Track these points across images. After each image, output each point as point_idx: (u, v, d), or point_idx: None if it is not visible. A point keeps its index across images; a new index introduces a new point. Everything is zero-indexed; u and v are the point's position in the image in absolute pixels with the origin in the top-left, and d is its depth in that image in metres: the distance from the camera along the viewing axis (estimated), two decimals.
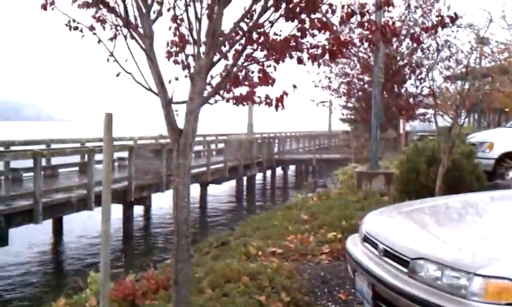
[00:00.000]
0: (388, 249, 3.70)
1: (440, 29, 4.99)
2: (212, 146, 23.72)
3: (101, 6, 4.46)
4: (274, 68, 4.45)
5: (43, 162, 13.48)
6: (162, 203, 19.52)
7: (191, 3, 4.28)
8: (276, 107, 4.53)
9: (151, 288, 4.96)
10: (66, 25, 4.61)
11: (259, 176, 27.86)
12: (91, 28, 4.57)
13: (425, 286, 3.20)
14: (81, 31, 4.60)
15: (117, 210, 14.76)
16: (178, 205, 3.78)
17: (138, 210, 17.00)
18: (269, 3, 4.15)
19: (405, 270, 3.42)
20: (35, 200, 11.38)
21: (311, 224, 8.61)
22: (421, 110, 22.37)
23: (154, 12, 4.42)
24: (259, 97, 4.66)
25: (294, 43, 4.38)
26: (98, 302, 4.23)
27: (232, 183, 24.41)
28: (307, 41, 4.49)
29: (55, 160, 16.33)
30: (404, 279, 3.37)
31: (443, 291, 3.07)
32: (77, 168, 17.14)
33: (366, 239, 4.16)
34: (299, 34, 4.33)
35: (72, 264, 13.37)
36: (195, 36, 4.31)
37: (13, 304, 10.55)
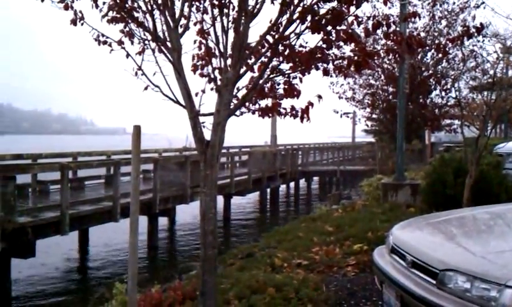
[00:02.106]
0: (416, 260, 3.67)
1: (465, 39, 4.94)
2: (236, 158, 23.79)
3: (129, 21, 4.55)
4: (300, 79, 4.47)
5: (70, 174, 13.70)
6: (187, 214, 19.65)
7: (218, 17, 4.35)
8: (302, 118, 4.54)
9: (177, 299, 5.00)
10: (96, 39, 4.71)
11: (283, 188, 27.79)
12: (120, 42, 4.66)
13: (455, 298, 3.17)
14: (110, 45, 4.69)
15: (142, 222, 14.88)
16: (205, 216, 3.81)
17: (163, 221, 17.11)
18: (295, 16, 4.19)
19: (434, 281, 3.39)
20: (62, 212, 11.55)
21: (336, 236, 8.56)
22: (447, 121, 22.11)
23: (181, 26, 4.48)
24: (284, 108, 4.67)
25: (319, 55, 4.40)
26: None
27: (256, 194, 24.41)
28: (333, 53, 4.50)
29: (81, 173, 16.60)
30: (433, 290, 3.34)
31: (473, 303, 3.04)
32: (103, 180, 17.39)
33: (393, 251, 4.13)
34: (324, 45, 4.34)
35: (98, 275, 13.51)
36: (222, 49, 4.37)
37: None
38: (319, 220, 10.62)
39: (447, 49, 14.92)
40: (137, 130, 3.88)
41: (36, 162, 14.67)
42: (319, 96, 4.56)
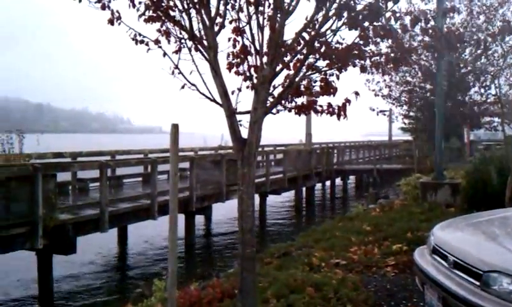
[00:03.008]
0: (458, 261, 3.58)
1: (506, 34, 4.80)
2: (271, 157, 23.75)
3: (166, 20, 4.58)
4: (337, 76, 4.42)
5: (109, 172, 13.94)
6: (223, 213, 19.75)
7: (254, 15, 4.34)
8: (339, 115, 4.48)
9: (216, 297, 5.01)
10: (133, 39, 4.76)
11: (318, 187, 27.60)
12: (157, 41, 4.70)
13: (499, 300, 3.07)
14: (147, 44, 4.73)
15: (179, 220, 14.98)
16: (244, 214, 3.80)
17: (199, 219, 17.24)
18: (331, 12, 4.14)
19: (477, 283, 3.29)
20: (101, 209, 11.76)
21: (374, 236, 8.46)
22: (486, 119, 21.57)
23: (217, 24, 4.49)
24: (321, 106, 4.62)
25: (356, 52, 4.34)
26: None
27: (291, 193, 24.33)
28: (370, 49, 4.43)
29: (120, 171, 16.88)
30: (477, 292, 3.25)
31: None
32: (140, 179, 17.64)
33: (435, 251, 4.03)
34: (361, 42, 4.28)
35: (136, 272, 13.69)
36: (257, 47, 4.36)
37: (83, 303, 10.95)
38: (356, 220, 10.51)
39: (487, 45, 14.54)
40: (175, 128, 3.90)
41: (75, 161, 14.95)
42: (356, 93, 4.49)
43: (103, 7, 4.56)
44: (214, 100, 4.36)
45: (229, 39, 4.73)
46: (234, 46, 4.72)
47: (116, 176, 16.54)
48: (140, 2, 4.53)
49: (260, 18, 4.33)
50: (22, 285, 11.97)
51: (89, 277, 13.01)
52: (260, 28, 4.32)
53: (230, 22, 4.65)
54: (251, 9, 4.38)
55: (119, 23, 4.67)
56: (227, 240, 17.32)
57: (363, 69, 4.50)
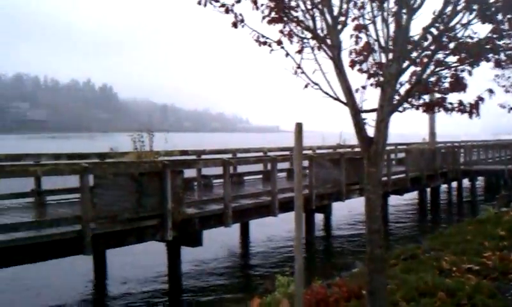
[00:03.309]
0: None
1: None
2: (392, 156, 23.05)
3: (289, 21, 4.66)
4: (469, 72, 4.20)
5: (231, 169, 14.45)
6: (342, 212, 19.59)
7: (377, 12, 4.27)
8: (470, 113, 4.27)
9: (343, 296, 4.99)
10: (256, 40, 4.90)
11: (443, 188, 26.24)
12: (279, 42, 4.79)
13: None
14: (270, 45, 4.84)
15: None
16: (371, 215, 3.75)
17: (318, 218, 17.24)
18: (461, 6, 3.95)
19: None
20: (225, 205, 12.22)
21: (510, 241, 7.91)
22: None
23: (340, 23, 4.48)
24: (451, 103, 4.43)
25: (489, 46, 4.11)
26: (292, 306, 4.38)
27: (414, 194, 23.42)
28: (504, 43, 4.18)
29: (240, 168, 17.45)
30: None
31: None
32: (260, 176, 18.06)
33: None
34: (495, 36, 4.04)
35: (258, 267, 14.05)
36: (383, 44, 4.28)
37: (208, 295, 11.47)
38: (487, 224, 9.89)
39: None
40: (299, 127, 3.95)
41: (200, 158, 15.72)
42: (490, 91, 4.24)
43: (226, 11, 4.74)
44: (337, 99, 4.35)
45: (351, 36, 4.70)
46: (356, 43, 4.69)
47: (237, 173, 17.10)
48: (262, 5, 4.65)
49: (385, 15, 4.25)
50: (152, 273, 12.82)
51: (214, 267, 13.63)
52: (386, 25, 4.24)
53: (353, 20, 4.63)
54: (375, 5, 4.32)
55: (242, 26, 4.83)
56: (347, 239, 17.15)
57: (498, 63, 4.25)
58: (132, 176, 10.23)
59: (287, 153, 19.03)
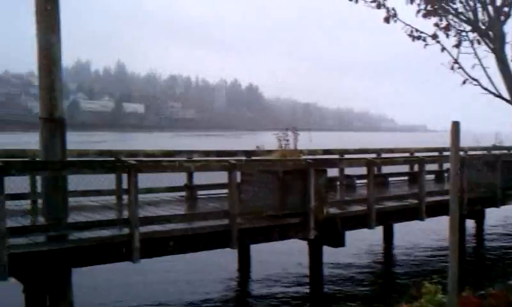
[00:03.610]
0: None
1: None
2: None
3: (446, 14, 4.42)
4: None
5: (375, 170, 14.09)
6: (497, 219, 18.17)
7: None
8: None
9: None
10: (409, 35, 4.73)
11: None
12: (434, 36, 4.58)
13: None
14: (424, 40, 4.66)
15: (446, 223, 14.32)
16: None
17: (469, 224, 16.16)
18: None
19: None
20: (368, 206, 11.94)
21: None
22: None
23: (503, 13, 4.15)
24: None
25: None
26: None
27: None
28: None
29: (384, 169, 16.93)
30: None
31: None
32: (405, 178, 17.38)
33: None
34: None
35: (402, 275, 13.52)
36: None
37: (352, 298, 11.41)
38: None
39: None
40: (455, 126, 3.71)
41: (343, 157, 15.56)
42: None
43: (378, 6, 4.64)
44: (499, 96, 4.04)
45: None
46: None
47: (381, 174, 16.63)
48: None
49: None
50: (294, 274, 13.01)
51: (355, 269, 13.43)
52: None
53: None
54: None
55: (395, 21, 4.71)
56: (502, 250, 15.85)
57: None
58: (276, 173, 10.46)
59: (435, 153, 18.09)
